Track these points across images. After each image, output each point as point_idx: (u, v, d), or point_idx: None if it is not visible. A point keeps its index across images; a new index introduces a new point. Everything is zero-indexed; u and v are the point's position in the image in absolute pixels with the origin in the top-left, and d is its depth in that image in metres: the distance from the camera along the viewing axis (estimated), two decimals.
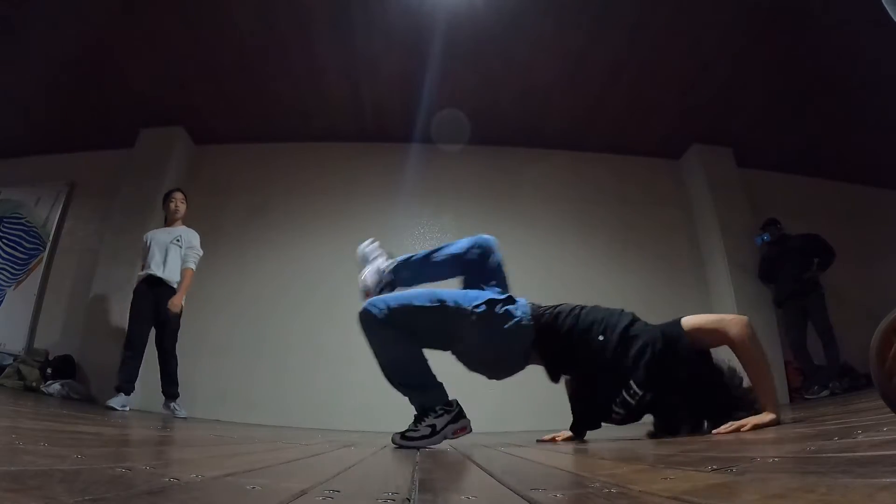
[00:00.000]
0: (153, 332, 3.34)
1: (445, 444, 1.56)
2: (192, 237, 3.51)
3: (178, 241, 3.43)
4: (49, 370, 3.64)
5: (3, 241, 4.46)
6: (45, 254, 4.36)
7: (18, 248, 4.44)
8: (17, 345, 4.05)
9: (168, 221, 3.54)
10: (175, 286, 3.33)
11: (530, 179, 4.58)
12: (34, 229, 4.47)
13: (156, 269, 3.30)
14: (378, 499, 0.48)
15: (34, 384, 3.54)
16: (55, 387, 3.42)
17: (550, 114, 4.28)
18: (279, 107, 4.25)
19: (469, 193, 4.50)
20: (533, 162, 4.63)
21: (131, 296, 3.38)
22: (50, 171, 4.64)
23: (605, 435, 1.70)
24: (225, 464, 0.78)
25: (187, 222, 3.61)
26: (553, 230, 4.44)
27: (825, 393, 3.55)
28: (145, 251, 3.40)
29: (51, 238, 4.40)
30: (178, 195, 3.55)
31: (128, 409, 3.05)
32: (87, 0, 3.19)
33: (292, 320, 4.02)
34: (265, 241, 4.28)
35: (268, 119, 4.40)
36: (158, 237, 3.43)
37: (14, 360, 3.80)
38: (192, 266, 3.43)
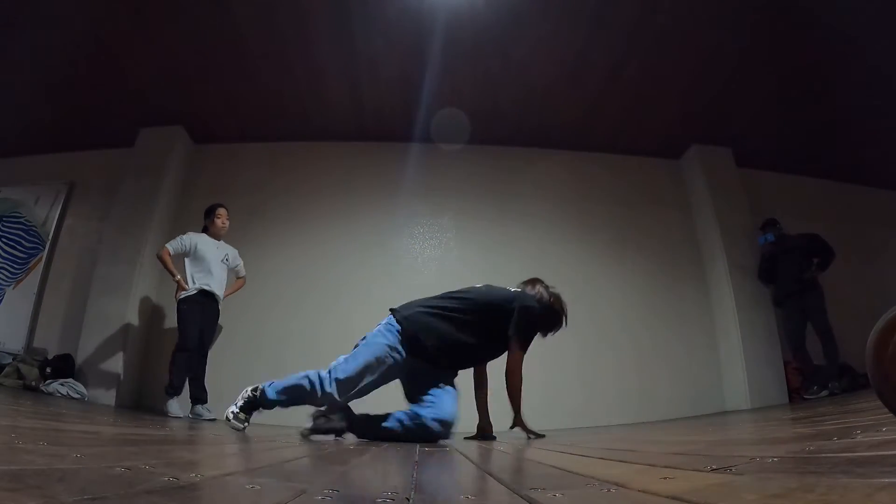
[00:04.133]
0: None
1: (445, 445, 1.56)
2: (237, 257, 3.78)
3: (226, 260, 3.65)
4: (48, 369, 3.63)
5: (3, 240, 4.46)
6: (45, 253, 4.36)
7: (18, 247, 4.43)
8: (16, 344, 4.05)
9: (212, 235, 3.63)
10: (219, 300, 3.56)
11: (530, 179, 4.58)
12: (34, 228, 4.47)
13: (212, 285, 3.49)
14: (378, 499, 0.48)
15: (33, 383, 3.54)
16: (55, 386, 3.43)
17: (550, 114, 4.27)
18: (279, 107, 4.24)
19: (469, 193, 4.50)
20: (533, 162, 4.62)
21: (184, 305, 3.41)
22: (50, 170, 4.64)
23: (605, 435, 1.70)
24: (224, 463, 0.78)
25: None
26: (553, 230, 4.43)
27: (824, 393, 3.54)
28: (193, 257, 3.49)
29: (50, 237, 4.40)
30: (224, 212, 3.68)
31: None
32: (87, 0, 3.20)
33: (291, 319, 4.02)
34: (265, 240, 4.27)
35: (267, 119, 4.39)
36: (209, 250, 3.54)
37: (13, 359, 3.80)
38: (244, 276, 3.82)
